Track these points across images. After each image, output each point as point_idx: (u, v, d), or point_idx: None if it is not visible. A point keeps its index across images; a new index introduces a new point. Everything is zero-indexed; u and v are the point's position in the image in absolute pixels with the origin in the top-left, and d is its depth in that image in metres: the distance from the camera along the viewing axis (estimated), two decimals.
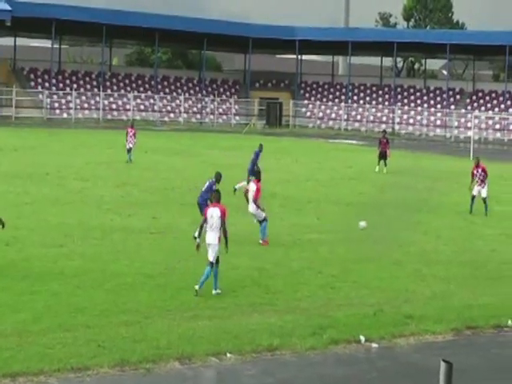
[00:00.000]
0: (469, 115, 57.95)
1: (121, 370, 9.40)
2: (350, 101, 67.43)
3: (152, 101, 63.67)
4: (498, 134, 60.05)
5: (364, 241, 17.72)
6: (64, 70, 64.69)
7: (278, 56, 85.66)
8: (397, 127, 63.53)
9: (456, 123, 62.21)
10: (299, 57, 69.65)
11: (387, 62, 76.00)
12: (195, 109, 65.57)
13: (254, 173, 23.76)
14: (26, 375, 9.08)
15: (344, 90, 69.16)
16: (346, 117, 65.98)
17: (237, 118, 65.91)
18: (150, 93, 64.48)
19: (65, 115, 59.63)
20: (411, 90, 68.33)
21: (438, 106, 65.52)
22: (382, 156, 33.01)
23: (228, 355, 10.02)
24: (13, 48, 64.70)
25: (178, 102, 64.34)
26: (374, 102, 67.27)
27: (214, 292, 12.71)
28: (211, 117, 65.00)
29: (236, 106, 66.32)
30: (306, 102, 68.46)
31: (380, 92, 68.78)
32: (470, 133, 50.23)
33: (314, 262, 15.25)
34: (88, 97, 61.43)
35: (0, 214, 13.73)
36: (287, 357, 10.15)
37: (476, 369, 10.14)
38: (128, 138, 32.00)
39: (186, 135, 50.59)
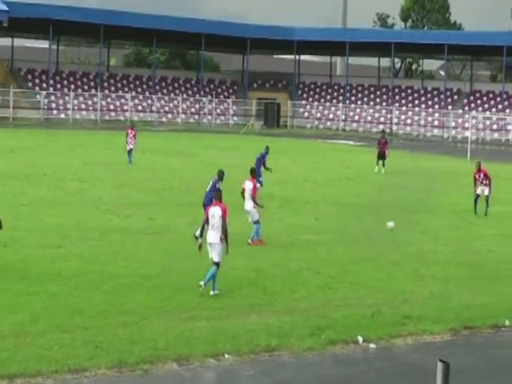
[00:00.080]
0: (466, 115, 58.01)
1: (118, 372, 9.39)
2: (347, 101, 67.46)
3: (150, 101, 63.65)
4: (496, 135, 60.11)
5: (362, 241, 17.73)
6: (62, 70, 64.66)
7: (275, 56, 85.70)
8: (394, 127, 63.56)
9: (453, 123, 62.26)
10: (297, 57, 69.67)
11: (385, 62, 76.10)
12: (193, 109, 65.56)
13: (260, 174, 23.89)
14: (24, 376, 9.06)
15: (342, 91, 69.19)
16: (343, 117, 66.01)
17: (235, 118, 65.91)
18: (147, 93, 64.46)
19: (62, 116, 59.58)
20: (409, 91, 68.38)
21: (436, 106, 65.58)
22: (381, 156, 33.01)
23: (226, 356, 10.01)
24: (10, 48, 64.69)
25: (175, 102, 64.32)
26: (371, 103, 67.31)
27: (211, 293, 12.72)
28: (209, 117, 65.00)
29: (234, 107, 66.32)
30: (303, 102, 68.48)
31: (378, 92, 68.82)
32: (467, 133, 50.28)
33: (312, 263, 15.25)
34: (86, 97, 61.40)
35: None
36: (285, 357, 10.15)
37: (474, 369, 10.14)
38: (128, 139, 31.97)
39: (183, 136, 50.59)
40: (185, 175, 28.55)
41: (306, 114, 67.69)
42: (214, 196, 13.50)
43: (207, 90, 67.99)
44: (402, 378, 9.88)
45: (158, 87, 65.85)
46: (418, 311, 12.15)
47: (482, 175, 22.47)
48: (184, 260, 14.91)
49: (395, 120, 64.47)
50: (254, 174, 17.23)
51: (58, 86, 62.08)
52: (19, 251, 14.99)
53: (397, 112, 64.78)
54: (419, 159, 40.88)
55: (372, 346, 10.73)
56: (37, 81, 62.12)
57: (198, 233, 14.03)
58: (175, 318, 11.39)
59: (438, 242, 18.17)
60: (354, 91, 69.34)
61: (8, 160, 30.86)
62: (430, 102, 66.58)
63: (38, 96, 59.46)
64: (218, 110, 66.04)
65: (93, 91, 61.95)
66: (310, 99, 69.15)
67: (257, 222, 16.76)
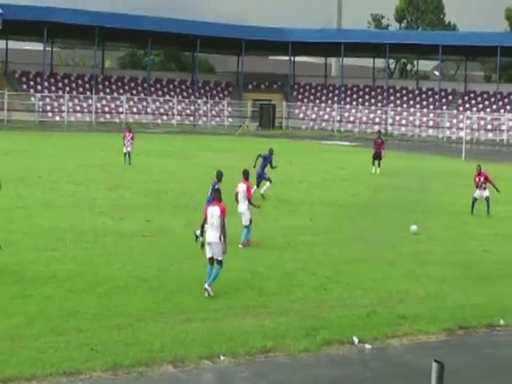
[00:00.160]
0: (461, 116, 58.14)
1: (113, 374, 9.37)
2: (342, 102, 67.55)
3: (145, 103, 63.62)
4: (490, 135, 60.26)
5: (357, 242, 17.75)
6: (56, 72, 64.60)
7: (270, 58, 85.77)
8: (389, 128, 63.68)
9: (448, 124, 62.40)
10: (292, 58, 69.74)
11: (380, 63, 76.27)
12: (188, 111, 65.57)
13: (265, 176, 23.99)
14: (19, 380, 9.04)
15: (337, 92, 69.28)
16: (338, 118, 66.09)
17: (230, 120, 65.93)
18: (142, 95, 64.45)
19: (57, 118, 59.52)
20: (404, 91, 68.50)
21: (431, 106, 65.71)
22: (377, 157, 33.05)
23: (221, 358, 10.00)
24: (4, 51, 64.58)
25: (170, 104, 64.31)
26: (366, 104, 67.43)
27: (206, 286, 12.60)
28: (204, 119, 65.00)
29: (229, 108, 66.33)
30: (298, 103, 68.54)
31: (373, 93, 68.92)
32: (461, 133, 50.39)
33: (307, 264, 15.25)
34: (80, 100, 61.34)
35: None
36: (280, 359, 10.14)
37: (468, 369, 10.16)
38: (125, 141, 32.02)
39: (179, 137, 50.57)
40: (180, 177, 28.54)
41: (301, 115, 67.75)
42: (214, 196, 13.56)
43: (202, 91, 68.00)
44: (397, 378, 9.89)
45: (152, 89, 65.82)
46: (413, 311, 12.17)
47: (482, 178, 22.48)
48: (180, 262, 14.90)
49: (390, 120, 64.58)
50: (247, 176, 17.18)
51: (53, 88, 62.01)
52: (14, 254, 14.96)
53: (392, 112, 64.89)
54: (414, 159, 40.95)
55: (367, 346, 10.74)
56: (31, 83, 62.05)
57: (198, 232, 14.08)
58: (171, 319, 11.37)
59: (433, 242, 18.19)
60: (348, 92, 69.43)
61: (3, 163, 30.78)
62: (424, 103, 66.71)
63: (32, 98, 59.38)
64: (213, 112, 66.05)
65: (87, 93, 61.90)
66: (305, 100, 69.22)
67: (247, 227, 16.72)
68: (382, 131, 48.59)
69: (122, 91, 64.37)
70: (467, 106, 64.85)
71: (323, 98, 69.86)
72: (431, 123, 63.98)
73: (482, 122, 60.32)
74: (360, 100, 68.25)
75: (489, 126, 60.77)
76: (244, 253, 15.91)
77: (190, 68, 72.03)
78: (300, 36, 66.32)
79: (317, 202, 23.83)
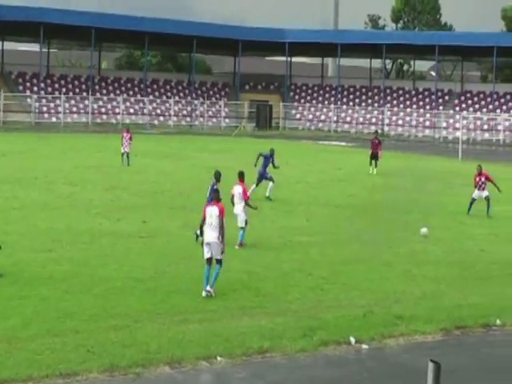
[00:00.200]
0: (457, 116, 58.24)
1: (110, 375, 9.36)
2: (339, 102, 67.60)
3: (141, 104, 63.59)
4: (486, 135, 60.35)
5: (354, 242, 17.75)
6: (53, 73, 64.53)
7: (267, 58, 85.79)
8: (386, 128, 63.75)
9: (444, 124, 62.49)
10: (289, 59, 69.77)
11: (376, 63, 76.31)
12: (185, 112, 65.55)
13: (266, 176, 23.95)
14: (15, 382, 9.02)
15: (333, 92, 69.32)
16: (335, 118, 66.13)
17: (227, 120, 65.92)
18: (139, 96, 64.42)
19: (53, 119, 59.46)
20: (400, 92, 68.58)
21: (427, 107, 65.80)
22: (374, 157, 33.06)
23: (218, 358, 10.00)
24: (0, 52, 64.49)
25: (167, 105, 64.30)
26: (363, 104, 67.49)
27: (207, 288, 12.69)
28: (201, 120, 64.99)
29: (226, 109, 66.33)
30: (295, 104, 68.57)
31: (369, 93, 68.99)
32: (458, 133, 50.45)
33: (304, 264, 15.25)
34: (77, 101, 61.29)
35: None
36: (277, 359, 10.14)
37: (465, 369, 10.17)
38: (124, 141, 32.01)
39: (175, 138, 50.55)
40: (177, 178, 28.53)
41: (298, 116, 67.78)
42: (212, 196, 13.63)
43: (199, 92, 68.00)
44: (394, 378, 9.90)
45: (149, 90, 65.80)
46: (410, 311, 12.17)
47: (482, 179, 22.48)
48: (177, 263, 14.89)
49: (387, 121, 64.65)
50: (243, 177, 17.12)
51: (49, 89, 61.94)
52: (11, 255, 14.93)
53: (388, 113, 64.95)
54: (411, 160, 40.99)
55: (364, 346, 10.74)
56: (28, 84, 61.97)
57: (198, 231, 14.16)
58: (168, 320, 11.36)
59: (429, 242, 18.20)
60: (345, 92, 69.48)
61: None
62: (421, 103, 66.80)
63: (28, 99, 59.31)
64: (210, 113, 66.06)
65: (84, 94, 61.85)
66: (302, 101, 69.26)
67: (243, 229, 16.71)
68: (379, 131, 48.66)
69: (118, 92, 64.33)
70: (464, 106, 64.94)
71: (320, 98, 69.91)
72: (428, 123, 64.06)
73: (479, 122, 60.41)
74: (357, 100, 68.31)
75: (485, 126, 60.87)
76: (241, 253, 15.91)
77: (186, 69, 72.01)
78: (297, 36, 66.37)
79: (313, 202, 23.84)
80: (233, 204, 16.75)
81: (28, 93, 60.28)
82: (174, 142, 46.59)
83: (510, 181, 24.94)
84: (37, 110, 59.33)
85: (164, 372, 9.58)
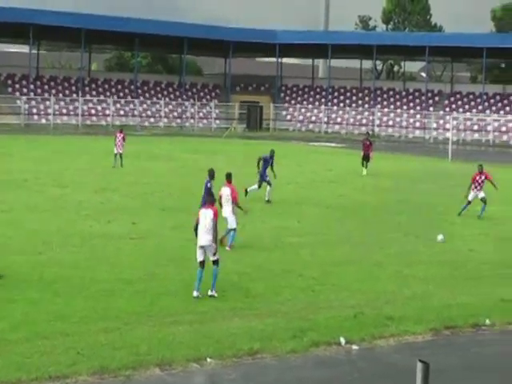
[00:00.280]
0: (447, 117, 58.41)
1: (100, 378, 9.32)
2: (330, 103, 67.69)
3: (132, 106, 63.46)
4: (476, 135, 60.58)
5: (344, 243, 17.77)
6: (42, 75, 64.29)
7: (258, 59, 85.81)
8: (377, 129, 63.87)
9: (435, 125, 62.68)
10: (279, 60, 69.81)
11: (367, 64, 76.45)
12: (175, 113, 65.45)
13: (265, 179, 23.76)
14: None
15: (324, 93, 69.40)
16: (326, 119, 66.21)
17: (217, 122, 65.88)
18: (129, 98, 64.29)
19: (43, 121, 59.24)
20: (391, 93, 68.74)
21: (417, 107, 65.98)
22: (366, 158, 33.08)
23: (208, 360, 9.98)
24: None
25: (158, 106, 64.18)
26: (353, 105, 67.60)
27: (209, 293, 12.83)
28: (191, 121, 64.91)
29: (216, 110, 66.29)
30: (286, 105, 68.62)
31: (360, 94, 69.11)
32: (448, 134, 50.61)
33: (294, 265, 15.26)
34: (67, 102, 61.09)
35: None
36: (268, 360, 10.13)
37: (455, 368, 10.19)
38: (117, 142, 31.95)
39: (166, 140, 50.47)
40: (167, 179, 28.48)
41: (289, 117, 67.82)
42: (206, 200, 13.91)
43: (190, 93, 67.92)
44: (384, 378, 9.91)
45: (139, 91, 65.68)
46: (400, 312, 12.20)
47: (483, 177, 22.44)
48: (167, 264, 14.87)
49: (377, 122, 64.78)
50: (230, 178, 17.06)
51: (39, 90, 61.72)
52: (0, 258, 14.85)
53: (379, 114, 65.09)
54: (401, 160, 41.09)
55: (355, 347, 10.75)
56: (17, 86, 61.70)
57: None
58: (158, 322, 11.34)
59: (419, 242, 18.25)
60: (336, 93, 69.58)
61: None
62: (411, 104, 66.98)
63: (18, 101, 59.05)
64: (201, 114, 65.99)
65: (74, 96, 61.66)
66: (293, 102, 69.30)
67: (233, 230, 16.66)
68: (370, 132, 48.76)
69: (108, 94, 64.17)
70: (453, 106, 65.18)
71: (310, 99, 69.97)
72: (418, 124, 64.24)
73: (469, 123, 60.64)
74: (347, 101, 68.42)
75: (475, 127, 61.10)
76: (231, 255, 15.89)
77: (177, 70, 71.91)
78: (287, 38, 66.41)
79: (304, 203, 23.84)
80: (220, 205, 16.63)
81: (17, 94, 60.01)
82: (165, 144, 46.52)
83: (499, 181, 24.99)
84: (26, 112, 59.09)
85: (154, 374, 9.55)
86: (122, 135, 32.20)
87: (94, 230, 18.01)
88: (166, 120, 63.97)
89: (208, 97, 68.79)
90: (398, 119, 64.62)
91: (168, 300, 12.54)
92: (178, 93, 67.65)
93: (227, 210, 16.66)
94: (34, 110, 59.86)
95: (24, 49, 66.92)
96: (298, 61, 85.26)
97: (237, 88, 70.26)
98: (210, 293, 12.85)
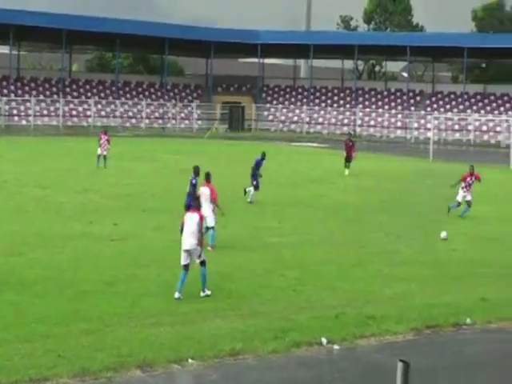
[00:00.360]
0: (428, 116, 58.73)
1: (81, 380, 9.27)
2: (311, 104, 67.82)
3: (113, 107, 63.16)
4: (457, 135, 60.97)
5: (326, 243, 17.81)
6: (23, 76, 63.80)
7: (240, 60, 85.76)
8: (358, 129, 64.07)
9: (416, 124, 63.00)
10: (261, 60, 69.81)
11: (348, 64, 76.64)
12: (157, 114, 65.24)
13: (253, 182, 23.69)
14: None
15: (306, 93, 69.53)
16: (307, 120, 66.33)
17: (199, 122, 65.76)
18: (111, 98, 63.96)
19: (24, 122, 58.78)
20: (372, 92, 69.00)
21: (399, 107, 66.29)
22: (348, 159, 33.16)
23: (190, 361, 9.96)
24: None
25: (139, 107, 63.94)
26: (335, 105, 67.77)
27: (202, 294, 12.88)
28: (173, 122, 64.75)
29: (198, 111, 66.18)
30: (268, 105, 68.64)
31: (341, 94, 69.30)
32: (429, 134, 50.90)
33: (276, 265, 15.28)
34: (47, 103, 60.67)
35: None
36: (249, 361, 10.13)
37: (436, 367, 10.25)
38: (101, 142, 31.83)
39: (147, 141, 50.32)
40: (149, 180, 28.39)
41: (271, 117, 67.86)
42: (192, 204, 14.00)
43: (171, 94, 67.73)
44: (365, 378, 9.95)
45: (121, 92, 65.39)
46: (381, 311, 12.24)
47: (473, 178, 22.62)
48: (148, 265, 14.82)
49: (359, 122, 64.99)
50: (209, 178, 17.08)
51: (19, 92, 61.25)
52: None
53: (360, 114, 65.32)
54: (382, 160, 41.26)
55: (336, 347, 10.78)
56: None
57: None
58: (139, 324, 11.30)
59: (401, 242, 18.34)
60: (317, 93, 69.73)
61: None
62: (392, 104, 67.29)
63: None
64: (183, 115, 65.83)
65: (55, 97, 61.26)
66: (274, 102, 69.35)
67: (212, 228, 16.67)
68: (352, 133, 48.89)
69: (89, 94, 63.82)
70: (435, 106, 65.56)
71: (292, 99, 70.06)
72: (399, 124, 64.54)
73: (450, 123, 61.03)
74: (329, 101, 68.58)
75: (456, 127, 61.51)
76: (213, 255, 15.86)
77: (158, 71, 71.68)
78: (269, 38, 66.43)
79: (286, 203, 23.88)
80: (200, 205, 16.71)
81: None
82: (146, 145, 46.37)
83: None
84: (6, 113, 58.59)
85: (135, 375, 9.52)
86: (106, 137, 32.07)
87: (75, 232, 17.91)
88: (147, 121, 63.75)
89: (190, 97, 68.65)
90: (379, 119, 64.88)
91: (149, 301, 12.50)
92: (159, 93, 67.45)
93: (206, 210, 16.64)
94: (15, 111, 59.38)
95: (4, 49, 66.31)
96: (280, 61, 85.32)
97: (218, 88, 70.18)
98: (202, 294, 12.90)
